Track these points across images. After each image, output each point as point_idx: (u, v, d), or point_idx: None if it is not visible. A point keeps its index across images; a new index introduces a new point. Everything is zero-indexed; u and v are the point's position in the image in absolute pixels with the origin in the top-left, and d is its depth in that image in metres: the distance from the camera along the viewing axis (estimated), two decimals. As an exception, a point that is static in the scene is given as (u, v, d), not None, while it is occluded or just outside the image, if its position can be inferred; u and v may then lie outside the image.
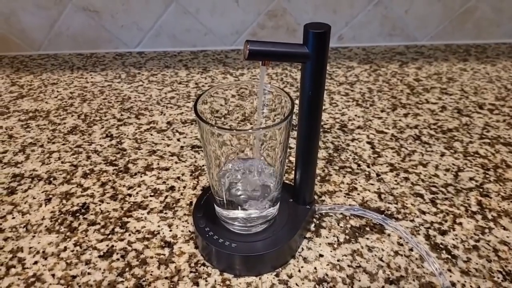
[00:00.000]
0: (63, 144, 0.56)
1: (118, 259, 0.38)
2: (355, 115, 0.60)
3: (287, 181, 0.45)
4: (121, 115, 0.63)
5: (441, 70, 0.73)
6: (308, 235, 0.40)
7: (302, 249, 0.38)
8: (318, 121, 0.35)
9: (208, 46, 0.86)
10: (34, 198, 0.46)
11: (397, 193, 0.45)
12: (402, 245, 0.39)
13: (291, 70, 0.75)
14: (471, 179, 0.47)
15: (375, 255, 0.38)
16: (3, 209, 0.45)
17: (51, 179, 0.49)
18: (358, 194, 0.45)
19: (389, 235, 0.40)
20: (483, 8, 0.80)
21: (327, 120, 0.58)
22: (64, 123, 0.61)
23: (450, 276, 0.35)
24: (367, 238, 0.39)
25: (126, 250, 0.39)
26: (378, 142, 0.54)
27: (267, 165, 0.36)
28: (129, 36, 0.85)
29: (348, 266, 0.37)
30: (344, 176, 0.48)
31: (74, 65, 0.81)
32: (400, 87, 0.67)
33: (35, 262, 0.38)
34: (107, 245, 0.40)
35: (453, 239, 0.39)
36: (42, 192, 0.47)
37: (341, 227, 0.41)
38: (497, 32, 0.83)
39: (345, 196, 0.45)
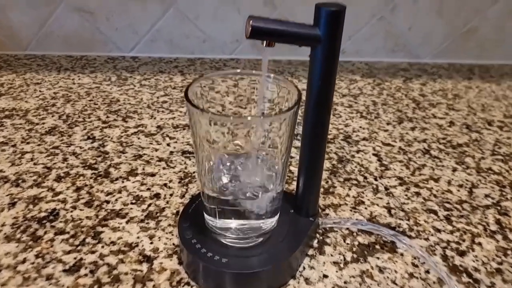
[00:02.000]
0: (39, 145, 0.50)
1: (86, 275, 0.32)
2: (360, 127, 0.56)
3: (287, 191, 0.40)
4: (107, 117, 0.58)
5: (446, 87, 0.70)
6: (310, 252, 0.35)
7: (304, 268, 0.33)
8: (327, 117, 0.30)
9: (207, 54, 0.82)
10: (-3, 200, 0.41)
11: (408, 208, 0.40)
12: (417, 266, 0.33)
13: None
14: (486, 196, 0.43)
15: (387, 277, 0.32)
16: (-40, 211, 0.39)
17: (20, 181, 0.44)
18: (366, 208, 0.40)
19: (402, 254, 0.35)
20: (486, 28, 0.78)
21: (330, 131, 0.54)
22: (43, 123, 0.55)
23: (476, 305, 0.30)
24: (378, 258, 0.34)
25: (96, 264, 0.33)
26: (385, 155, 0.49)
27: (267, 165, 0.31)
28: (124, 40, 0.81)
29: (357, 289, 0.31)
30: (350, 189, 0.43)
31: (62, 66, 0.76)
32: (405, 101, 0.64)
33: (-12, 275, 0.32)
34: (75, 258, 0.34)
35: (474, 261, 0.34)
36: (7, 195, 0.41)
37: (347, 244, 0.36)
38: (500, 52, 0.81)
39: (351, 210, 0.40)
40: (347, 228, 0.37)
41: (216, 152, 0.29)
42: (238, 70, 0.30)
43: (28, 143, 0.51)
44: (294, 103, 0.27)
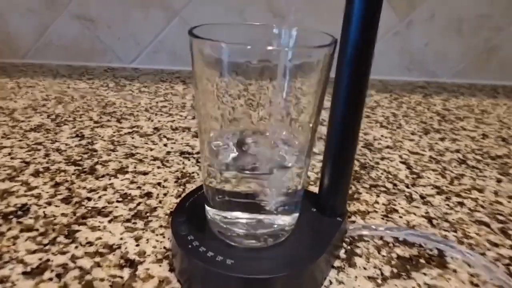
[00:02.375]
0: (20, 141, 0.44)
1: (50, 279, 0.25)
2: (381, 135, 0.50)
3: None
4: (100, 117, 0.52)
5: (471, 103, 0.64)
6: (337, 263, 0.27)
7: (330, 282, 0.26)
8: (365, 85, 0.24)
9: (210, 67, 0.78)
10: (-42, 194, 0.34)
11: (452, 219, 0.33)
12: (477, 285, 0.26)
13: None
14: (545, 209, 0.36)
15: (440, 296, 0.25)
16: None
17: (-10, 174, 0.37)
18: (401, 217, 0.33)
19: (455, 270, 0.27)
20: (509, 46, 0.74)
21: (348, 139, 0.48)
22: (29, 121, 0.50)
23: None
24: (424, 273, 0.27)
25: (66, 267, 0.26)
26: (415, 163, 0.43)
27: (288, 132, 0.24)
28: (125, 50, 0.77)
29: (402, 310, 0.24)
30: (378, 196, 0.36)
31: (59, 73, 0.71)
32: (428, 114, 0.58)
33: None
34: (40, 259, 0.27)
35: (549, 282, 0.27)
36: (-28, 188, 0.35)
37: (383, 256, 0.28)
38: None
39: (383, 218, 0.33)
40: (381, 238, 0.30)
41: (225, 124, 0.23)
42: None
43: (8, 138, 0.45)
44: (329, 42, 0.21)
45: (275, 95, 0.21)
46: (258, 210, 0.24)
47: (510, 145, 0.49)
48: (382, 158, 0.44)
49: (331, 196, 0.27)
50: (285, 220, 0.25)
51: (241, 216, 0.25)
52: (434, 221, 0.33)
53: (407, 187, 0.38)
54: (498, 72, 0.76)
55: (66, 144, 0.44)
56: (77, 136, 0.46)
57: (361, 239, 0.30)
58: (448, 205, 0.35)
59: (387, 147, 0.46)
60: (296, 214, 0.26)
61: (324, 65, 0.21)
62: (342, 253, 0.28)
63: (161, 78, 0.71)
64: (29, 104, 0.56)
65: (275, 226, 0.25)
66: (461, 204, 0.35)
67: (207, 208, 0.26)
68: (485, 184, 0.39)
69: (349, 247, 0.29)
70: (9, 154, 0.41)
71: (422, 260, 0.28)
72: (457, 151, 0.46)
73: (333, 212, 0.27)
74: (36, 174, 0.38)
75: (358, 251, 0.29)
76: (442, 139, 0.49)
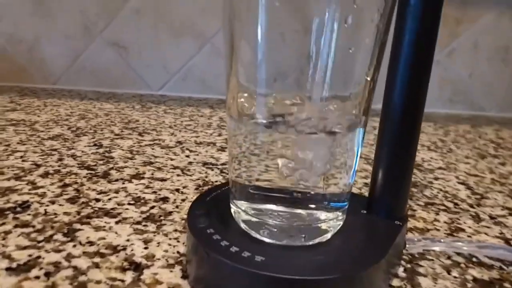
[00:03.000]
0: (35, 147, 0.41)
1: (37, 277, 0.20)
2: (431, 157, 0.44)
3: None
4: (121, 131, 0.49)
5: (527, 135, 0.58)
6: (395, 283, 0.21)
7: (389, 303, 0.20)
8: (430, 62, 0.20)
9: (239, 96, 0.75)
10: (-42, 189, 0.30)
11: (535, 241, 0.27)
12: None
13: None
14: None
15: (545, 330, 0.18)
16: None
17: (-4, 173, 0.34)
18: (469, 236, 0.27)
19: (555, 299, 0.21)
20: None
21: (391, 159, 0.43)
22: (48, 131, 0.47)
23: None
24: (513, 301, 0.20)
25: (58, 265, 0.21)
26: (476, 184, 0.37)
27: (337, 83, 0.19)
28: (154, 77, 0.76)
29: None
30: (437, 214, 0.30)
31: (86, 96, 0.71)
32: (481, 141, 0.52)
33: None
34: (30, 255, 0.22)
35: None
36: (-25, 184, 0.31)
37: (455, 277, 0.22)
38: None
39: (447, 237, 0.26)
40: (449, 257, 0.24)
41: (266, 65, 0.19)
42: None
43: (24, 144, 0.42)
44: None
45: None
46: (294, 203, 0.19)
47: None
48: (436, 178, 0.38)
49: (388, 194, 0.22)
50: (329, 216, 0.20)
51: (275, 208, 0.19)
52: (514, 242, 0.26)
53: (472, 206, 0.32)
54: (551, 107, 0.70)
55: (83, 151, 0.41)
56: (95, 145, 0.43)
57: (423, 257, 0.24)
58: (527, 226, 0.29)
59: (439, 168, 0.41)
60: (343, 211, 0.21)
61: (383, 13, 0.17)
62: (401, 272, 0.22)
63: (188, 103, 0.69)
64: (52, 119, 0.54)
65: (315, 221, 0.19)
66: (544, 226, 0.29)
67: (234, 201, 0.21)
68: None
69: (409, 265, 0.23)
70: (21, 157, 0.38)
71: (503, 281, 0.21)
72: (523, 175, 0.40)
73: (390, 214, 0.22)
74: (44, 175, 0.34)
75: (421, 270, 0.22)
76: (502, 164, 0.43)
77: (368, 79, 0.18)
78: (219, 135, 0.49)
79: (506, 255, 0.23)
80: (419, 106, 0.21)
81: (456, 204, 0.32)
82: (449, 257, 0.24)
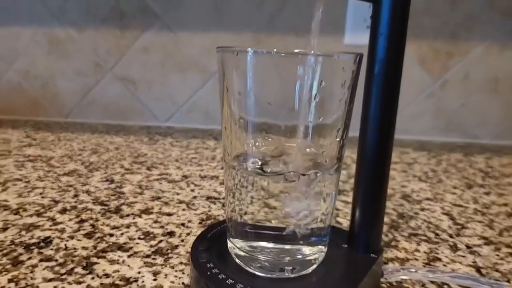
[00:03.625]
0: (52, 183, 0.45)
1: (61, 308, 0.24)
2: (420, 188, 0.47)
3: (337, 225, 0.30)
4: (131, 165, 0.53)
5: (517, 162, 0.61)
6: (373, 309, 0.24)
7: (366, 328, 0.22)
8: (395, 99, 0.24)
9: (242, 126, 0.79)
10: (-13, 226, 0.34)
11: (504, 269, 0.29)
12: None
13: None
14: None
15: None
16: None
17: (20, 210, 0.37)
18: (445, 265, 0.30)
19: (515, 324, 0.23)
20: (551, 109, 0.72)
21: (382, 190, 0.46)
22: (64, 167, 0.51)
23: None
24: (478, 325, 0.23)
25: (79, 297, 0.25)
26: (459, 215, 0.39)
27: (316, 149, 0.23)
28: (161, 110, 0.81)
29: None
30: (419, 244, 0.33)
31: (97, 129, 0.75)
32: (470, 171, 0.55)
33: None
34: (55, 287, 0.25)
35: None
36: (1, 220, 0.35)
37: (427, 304, 0.25)
38: None
39: (424, 267, 0.29)
40: (423, 285, 0.27)
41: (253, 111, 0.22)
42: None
43: (42, 181, 0.46)
44: (355, 57, 0.21)
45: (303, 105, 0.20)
46: (283, 240, 0.22)
47: None
48: (422, 209, 0.40)
49: (364, 230, 0.25)
50: (312, 250, 0.23)
51: (266, 246, 0.23)
52: (483, 271, 0.29)
53: (451, 236, 0.34)
54: (542, 133, 0.73)
55: (96, 187, 0.44)
56: (107, 180, 0.47)
57: (400, 286, 0.27)
58: (498, 255, 0.31)
59: (427, 199, 0.43)
60: (324, 245, 0.24)
61: (350, 68, 0.21)
62: (379, 300, 0.25)
63: (194, 135, 0.73)
64: (66, 154, 0.58)
65: (300, 256, 0.23)
66: (515, 255, 0.31)
67: (230, 238, 0.24)
68: (541, 237, 0.35)
69: (387, 294, 0.26)
70: (41, 193, 0.42)
71: (475, 312, 0.24)
72: (505, 204, 0.43)
73: (366, 248, 0.25)
74: (63, 211, 0.38)
75: (398, 298, 0.25)
76: (487, 193, 0.46)
77: (338, 139, 0.22)
78: (222, 168, 0.53)
79: (474, 284, 0.26)
80: (387, 159, 0.24)
81: (437, 234, 0.35)
82: (423, 285, 0.27)
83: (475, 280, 0.25)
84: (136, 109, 0.81)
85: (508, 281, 0.28)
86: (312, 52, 0.20)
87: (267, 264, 0.22)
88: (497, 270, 0.29)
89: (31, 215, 0.37)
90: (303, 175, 0.21)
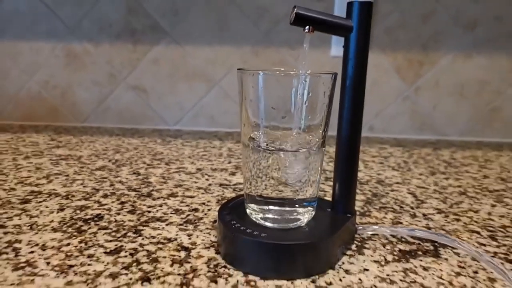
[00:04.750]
0: (89, 176, 0.54)
1: (125, 256, 0.33)
2: (392, 175, 0.57)
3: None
4: (151, 162, 0.62)
5: (476, 154, 0.71)
6: (348, 252, 0.34)
7: (343, 263, 0.32)
8: (361, 103, 0.33)
9: (242, 128, 0.89)
10: (47, 207, 0.43)
11: (449, 229, 0.39)
12: (464, 267, 0.32)
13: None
14: (534, 225, 0.41)
15: (433, 273, 0.31)
16: (12, 212, 0.41)
17: (69, 196, 0.47)
18: (404, 227, 0.39)
19: (446, 259, 0.33)
20: (510, 107, 0.83)
21: (362, 177, 0.56)
22: (94, 163, 0.60)
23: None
24: (421, 260, 0.33)
25: (136, 250, 0.34)
26: (421, 194, 0.49)
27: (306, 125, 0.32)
28: (170, 115, 0.90)
29: (401, 280, 0.30)
30: (386, 214, 0.43)
31: (114, 133, 0.84)
32: (436, 162, 0.65)
33: (31, 252, 0.33)
34: (116, 245, 0.35)
35: (528, 269, 0.32)
36: (57, 204, 0.44)
37: (387, 249, 0.35)
38: (528, 134, 0.84)
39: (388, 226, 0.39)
40: (386, 238, 0.36)
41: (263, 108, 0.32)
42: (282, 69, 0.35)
43: (79, 174, 0.55)
44: (332, 76, 0.31)
45: (297, 111, 0.30)
46: (283, 205, 0.32)
47: (508, 183, 0.55)
48: (392, 190, 0.50)
49: (342, 197, 0.35)
50: (304, 211, 0.33)
51: (273, 208, 0.32)
52: (433, 230, 0.39)
53: (412, 208, 0.44)
54: (502, 131, 0.84)
55: (126, 178, 0.54)
56: (134, 173, 0.56)
57: (370, 239, 0.36)
58: (446, 220, 0.41)
59: (397, 183, 0.54)
60: (313, 208, 0.34)
61: (329, 83, 0.31)
62: (353, 247, 0.35)
63: (201, 137, 0.83)
64: (92, 153, 0.67)
65: (296, 214, 0.32)
66: (457, 220, 0.42)
67: (247, 204, 0.34)
68: (480, 208, 0.45)
69: (359, 244, 0.35)
70: (82, 184, 0.51)
71: (419, 252, 0.34)
72: (459, 186, 0.53)
73: (343, 210, 0.35)
74: (105, 196, 0.47)
75: (366, 245, 0.35)
76: (446, 178, 0.56)
77: (320, 131, 0.32)
78: (229, 162, 0.63)
79: (423, 234, 0.36)
80: (357, 146, 0.34)
81: (401, 207, 0.45)
82: (386, 238, 0.37)
83: (425, 231, 0.35)
84: (148, 114, 0.90)
85: (451, 235, 0.38)
86: (303, 72, 0.30)
87: (273, 219, 0.32)
88: (443, 229, 0.39)
89: (79, 200, 0.46)
90: (297, 151, 0.31)
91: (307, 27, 0.30)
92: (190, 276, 0.30)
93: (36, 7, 0.86)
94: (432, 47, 0.81)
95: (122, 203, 0.45)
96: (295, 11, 0.30)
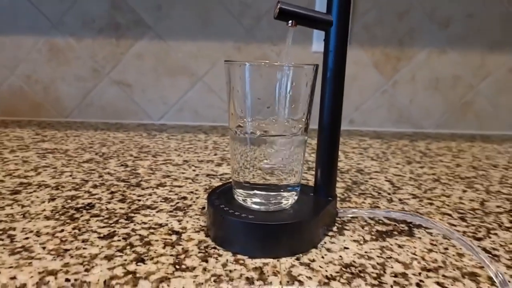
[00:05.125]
0: (77, 168, 0.55)
1: (119, 240, 0.34)
2: (371, 165, 0.60)
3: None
4: (138, 154, 0.63)
5: (450, 145, 0.75)
6: (330, 233, 0.36)
7: (325, 242, 0.35)
8: (341, 90, 0.35)
9: (227, 122, 0.91)
10: (37, 197, 0.44)
11: (422, 211, 0.42)
12: (435, 245, 0.35)
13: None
14: (498, 206, 0.44)
15: (407, 250, 0.34)
16: (3, 202, 0.42)
17: (59, 187, 0.47)
18: (382, 210, 0.42)
19: (420, 238, 0.36)
20: (481, 101, 0.87)
21: (343, 167, 0.58)
22: (81, 157, 0.61)
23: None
24: (396, 239, 0.36)
25: (129, 234, 0.36)
26: (397, 181, 0.52)
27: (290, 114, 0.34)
28: (154, 109, 0.91)
29: (378, 256, 0.32)
30: (365, 199, 0.45)
31: (98, 127, 0.85)
32: (412, 152, 0.69)
33: (26, 238, 0.34)
34: (109, 230, 0.36)
35: (491, 244, 0.35)
36: (47, 194, 0.45)
37: (366, 230, 0.37)
38: (497, 124, 0.88)
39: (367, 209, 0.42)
40: (365, 221, 0.39)
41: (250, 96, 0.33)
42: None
43: (67, 167, 0.56)
44: (314, 67, 0.33)
45: (281, 99, 0.32)
46: (270, 189, 0.34)
47: (479, 171, 0.58)
48: (371, 178, 0.53)
49: (323, 182, 0.37)
50: (288, 195, 0.35)
51: (259, 192, 0.34)
52: (407, 213, 0.42)
53: (389, 194, 0.47)
54: (475, 123, 0.88)
55: (115, 170, 0.55)
56: (122, 165, 0.57)
57: (350, 221, 0.39)
58: (420, 204, 0.44)
59: (375, 171, 0.56)
60: (296, 192, 0.36)
61: (311, 75, 0.33)
62: (334, 229, 0.37)
63: (186, 130, 0.84)
64: (79, 147, 0.68)
65: (280, 197, 0.35)
66: (431, 204, 0.45)
67: (235, 189, 0.36)
68: (452, 193, 0.48)
69: (340, 226, 0.38)
70: (70, 175, 0.52)
71: (395, 232, 0.37)
72: (433, 174, 0.56)
73: (325, 194, 0.37)
74: (94, 187, 0.48)
75: (347, 227, 0.38)
76: (421, 167, 0.59)
77: (303, 119, 0.34)
78: (215, 154, 0.64)
79: (398, 215, 0.38)
80: (336, 134, 0.36)
81: (379, 193, 0.48)
82: (365, 221, 0.39)
83: (400, 213, 0.38)
84: (132, 109, 0.91)
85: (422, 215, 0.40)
86: (287, 64, 0.32)
87: (259, 203, 0.34)
88: (417, 212, 0.42)
89: (70, 190, 0.47)
90: (282, 135, 0.33)
91: (290, 21, 0.32)
92: (182, 256, 0.32)
93: (18, 2, 0.86)
94: (408, 43, 0.85)
95: (112, 192, 0.46)
96: (278, 6, 0.32)
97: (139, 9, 0.86)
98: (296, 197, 0.36)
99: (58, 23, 0.87)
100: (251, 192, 0.35)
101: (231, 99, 0.34)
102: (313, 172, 0.55)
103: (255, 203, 0.34)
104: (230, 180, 0.37)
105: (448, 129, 0.89)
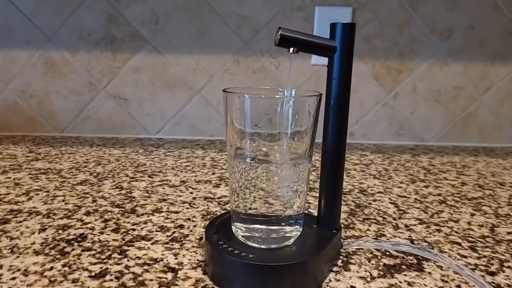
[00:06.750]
0: (70, 191, 0.53)
1: (111, 280, 0.33)
2: (374, 184, 0.58)
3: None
4: (134, 174, 0.61)
5: (454, 160, 0.73)
6: (335, 269, 0.34)
7: (330, 280, 0.33)
8: (345, 122, 0.34)
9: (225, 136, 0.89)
10: (27, 227, 0.42)
11: (431, 240, 0.40)
12: (447, 282, 0.33)
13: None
14: (509, 233, 0.43)
15: (417, 288, 0.32)
16: (-8, 234, 0.40)
17: (51, 214, 0.46)
18: (388, 239, 0.40)
19: (430, 273, 0.34)
20: (484, 113, 0.86)
21: (345, 187, 0.56)
22: (75, 178, 0.59)
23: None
24: (405, 275, 0.34)
25: (122, 272, 0.34)
26: (402, 203, 0.51)
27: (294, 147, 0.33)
28: (152, 123, 0.89)
29: (386, 296, 0.31)
30: (370, 226, 0.44)
31: (94, 143, 0.83)
32: (415, 169, 0.67)
33: (13, 278, 0.32)
34: (101, 268, 0.34)
35: (505, 279, 0.33)
36: (38, 223, 0.43)
37: (372, 264, 0.35)
38: (501, 136, 0.87)
39: (373, 239, 0.40)
40: (371, 252, 0.37)
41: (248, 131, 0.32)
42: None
43: (60, 190, 0.54)
44: (317, 97, 0.31)
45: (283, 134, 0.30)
46: (271, 223, 0.32)
47: (485, 190, 0.57)
48: (374, 200, 0.51)
49: (327, 214, 0.35)
50: (291, 229, 0.33)
51: (259, 227, 0.33)
52: (416, 242, 0.40)
53: (394, 219, 0.45)
54: (477, 135, 0.87)
55: (109, 193, 0.53)
56: (117, 187, 0.55)
57: (355, 253, 0.37)
58: (427, 231, 0.43)
59: (379, 192, 0.55)
60: (300, 225, 0.34)
61: (313, 104, 0.31)
62: (339, 263, 0.35)
63: (183, 145, 0.82)
64: (73, 166, 0.66)
65: (283, 233, 0.33)
66: (439, 230, 0.43)
67: (234, 223, 0.34)
68: (460, 217, 0.46)
69: (345, 259, 0.36)
70: (63, 200, 0.50)
71: (403, 266, 0.35)
72: (439, 194, 0.54)
73: (329, 226, 0.35)
74: (87, 214, 0.46)
75: (352, 261, 0.36)
76: (426, 187, 0.58)
77: (307, 149, 0.32)
78: (213, 173, 0.62)
79: (407, 248, 0.36)
80: (341, 162, 0.34)
81: (384, 218, 0.46)
82: (371, 252, 0.37)
83: (408, 246, 0.36)
84: (129, 123, 0.89)
85: (433, 248, 0.39)
86: (288, 95, 0.30)
87: (260, 239, 0.32)
88: (425, 241, 0.40)
89: (61, 218, 0.45)
90: (285, 163, 0.32)
91: (291, 48, 0.31)
92: (178, 299, 0.30)
93: (12, 15, 0.84)
94: (409, 55, 0.83)
95: (106, 220, 0.44)
96: (280, 33, 0.30)
97: (136, 22, 0.84)
98: (299, 233, 0.34)
99: (53, 36, 0.85)
100: (251, 226, 0.33)
101: (229, 130, 0.32)
102: (315, 194, 0.53)
103: (255, 241, 0.32)
104: (229, 208, 0.36)
105: (450, 141, 0.87)
